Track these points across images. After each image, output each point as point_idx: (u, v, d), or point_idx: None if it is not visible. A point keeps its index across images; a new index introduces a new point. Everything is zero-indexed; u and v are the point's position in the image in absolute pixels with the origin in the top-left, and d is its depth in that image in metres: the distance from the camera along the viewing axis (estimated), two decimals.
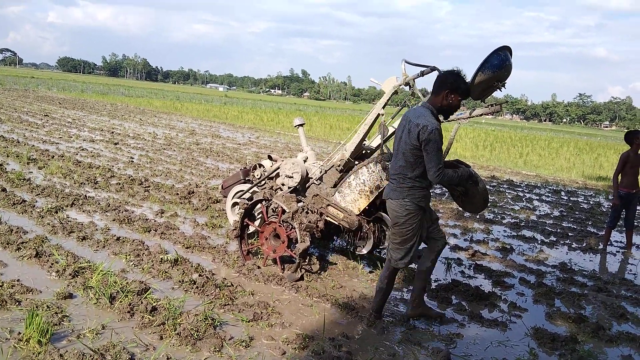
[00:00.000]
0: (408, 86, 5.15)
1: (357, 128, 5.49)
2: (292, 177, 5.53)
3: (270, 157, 6.07)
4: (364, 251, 5.54)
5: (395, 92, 5.24)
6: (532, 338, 4.44)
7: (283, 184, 5.59)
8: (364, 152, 5.81)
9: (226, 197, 6.38)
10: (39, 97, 31.96)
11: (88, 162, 10.49)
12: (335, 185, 5.44)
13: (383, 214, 5.53)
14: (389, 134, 5.47)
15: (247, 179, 6.21)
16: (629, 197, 7.68)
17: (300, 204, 5.38)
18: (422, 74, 5.08)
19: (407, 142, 3.97)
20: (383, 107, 5.24)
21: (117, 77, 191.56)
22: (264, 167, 6.02)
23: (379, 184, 5.08)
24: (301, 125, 6.32)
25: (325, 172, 5.55)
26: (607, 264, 7.24)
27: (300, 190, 5.62)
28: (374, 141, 5.93)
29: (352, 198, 5.22)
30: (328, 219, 5.31)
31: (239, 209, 5.77)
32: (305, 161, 5.97)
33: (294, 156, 6.25)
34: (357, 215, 5.23)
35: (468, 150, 21.53)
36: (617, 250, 7.95)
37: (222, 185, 6.52)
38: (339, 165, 5.45)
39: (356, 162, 5.50)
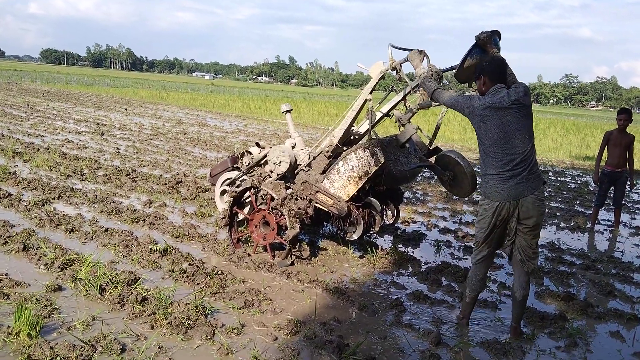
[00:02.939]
0: (395, 71, 5.12)
1: (344, 114, 5.46)
2: (280, 164, 5.51)
3: (258, 144, 6.04)
4: (354, 237, 5.54)
5: (382, 77, 5.21)
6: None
7: (271, 171, 5.57)
8: (352, 137, 5.79)
9: (214, 185, 6.35)
10: (22, 89, 31.54)
11: (74, 154, 10.39)
12: (324, 172, 5.43)
13: (372, 199, 5.52)
14: (376, 119, 5.45)
15: (235, 166, 6.18)
16: (614, 176, 7.74)
17: (289, 191, 5.37)
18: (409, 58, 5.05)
19: (524, 123, 3.79)
20: (370, 93, 5.21)
21: (101, 67, 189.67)
22: (251, 154, 5.99)
23: (368, 170, 5.06)
24: (288, 111, 6.28)
25: (314, 158, 5.53)
26: (595, 242, 7.32)
27: (289, 176, 5.60)
28: (362, 127, 5.91)
29: (341, 184, 5.21)
30: (317, 205, 5.31)
31: (228, 196, 5.75)
32: (293, 147, 5.94)
33: (282, 143, 6.20)
34: (346, 201, 5.23)
35: (456, 134, 21.58)
36: (605, 228, 8.03)
37: (210, 173, 6.49)
38: (327, 152, 5.43)
39: (344, 148, 5.48)
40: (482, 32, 4.24)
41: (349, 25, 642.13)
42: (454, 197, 9.08)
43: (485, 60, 3.98)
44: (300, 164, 5.60)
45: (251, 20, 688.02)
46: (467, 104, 3.91)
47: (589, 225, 7.96)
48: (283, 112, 6.28)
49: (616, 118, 7.73)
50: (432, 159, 5.13)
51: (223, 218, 5.58)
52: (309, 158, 5.55)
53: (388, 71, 5.16)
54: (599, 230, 7.90)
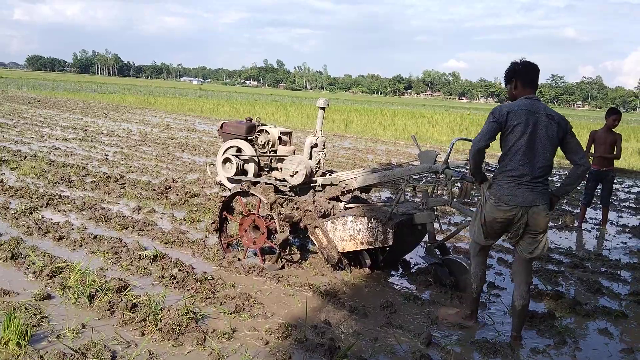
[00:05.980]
0: (444, 175, 4.96)
1: (383, 174, 5.36)
2: (294, 176, 5.33)
3: (282, 135, 5.81)
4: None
5: (433, 172, 5.10)
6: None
7: (282, 173, 5.49)
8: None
9: (221, 139, 6.05)
10: (8, 97, 31.27)
11: (62, 161, 10.33)
12: (331, 199, 5.37)
13: (364, 252, 5.44)
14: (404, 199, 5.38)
15: (248, 137, 5.88)
16: (600, 175, 7.81)
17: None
18: (462, 177, 4.87)
19: (551, 137, 3.73)
20: (409, 177, 5.17)
21: (88, 74, 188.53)
22: (269, 134, 5.77)
23: (372, 242, 4.99)
24: (323, 107, 5.93)
25: (331, 184, 5.45)
26: (583, 240, 7.39)
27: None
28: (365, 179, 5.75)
29: (341, 236, 5.09)
30: (311, 237, 5.28)
31: (230, 165, 5.70)
32: (313, 147, 5.75)
33: (299, 152, 5.94)
34: (339, 253, 5.16)
35: (444, 135, 21.68)
36: (593, 226, 8.11)
37: (221, 126, 6.11)
38: (344, 187, 5.39)
39: (361, 193, 5.46)
40: None
41: (337, 27, 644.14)
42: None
43: (517, 64, 3.85)
44: (315, 179, 5.48)
45: (239, 24, 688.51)
46: (496, 118, 3.75)
47: (576, 224, 8.03)
48: (318, 106, 5.96)
49: (609, 118, 7.75)
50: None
51: (213, 223, 5.57)
52: (324, 182, 5.45)
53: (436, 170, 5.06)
54: (587, 228, 7.98)
